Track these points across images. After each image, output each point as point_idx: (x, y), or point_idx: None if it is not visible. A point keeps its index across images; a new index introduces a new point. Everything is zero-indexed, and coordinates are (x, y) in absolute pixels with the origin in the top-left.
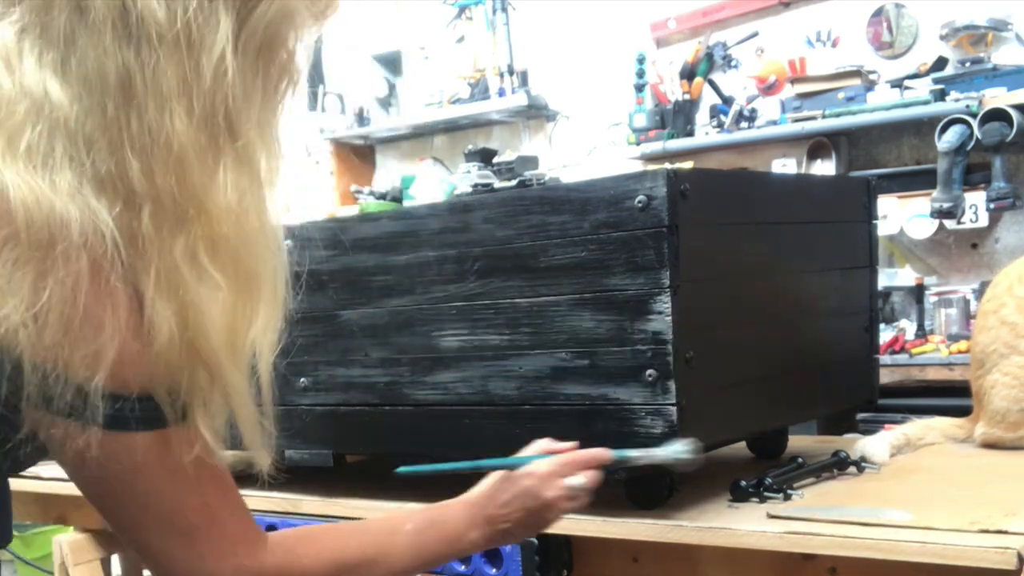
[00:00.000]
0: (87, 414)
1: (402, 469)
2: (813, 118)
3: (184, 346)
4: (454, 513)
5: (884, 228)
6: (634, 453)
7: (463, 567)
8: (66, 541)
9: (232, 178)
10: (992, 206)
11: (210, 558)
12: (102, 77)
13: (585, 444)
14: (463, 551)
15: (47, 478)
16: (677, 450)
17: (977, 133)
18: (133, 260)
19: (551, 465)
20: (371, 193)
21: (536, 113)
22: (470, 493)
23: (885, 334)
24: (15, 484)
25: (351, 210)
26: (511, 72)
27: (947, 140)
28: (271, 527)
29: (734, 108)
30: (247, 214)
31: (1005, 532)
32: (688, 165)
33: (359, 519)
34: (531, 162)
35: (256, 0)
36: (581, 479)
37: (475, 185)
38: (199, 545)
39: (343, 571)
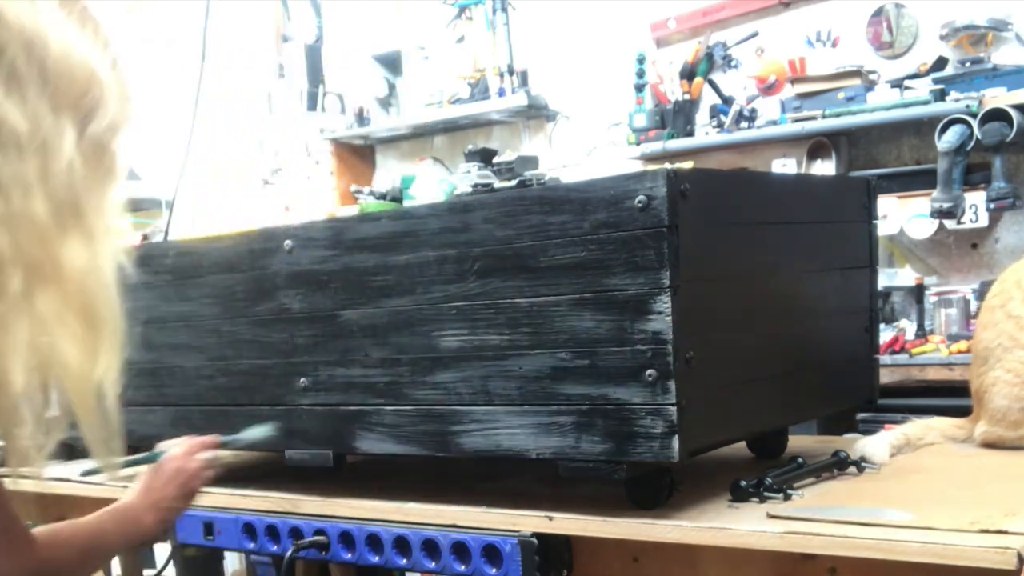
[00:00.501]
0: None
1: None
2: (813, 118)
3: (38, 385)
4: (132, 503)
5: (884, 228)
6: (231, 437)
7: (463, 567)
8: None
9: (78, 249)
10: (992, 206)
11: (4, 558)
12: None
13: (584, 444)
14: (146, 533)
15: (47, 478)
16: (259, 432)
17: (977, 133)
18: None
19: (183, 448)
20: (371, 193)
21: (536, 113)
22: (135, 488)
23: (885, 334)
24: (15, 485)
25: (351, 210)
26: (511, 72)
27: (947, 140)
28: (271, 527)
29: (734, 108)
30: (91, 276)
31: (1005, 532)
32: (688, 165)
33: (359, 519)
34: (531, 162)
35: (90, 117)
36: (209, 454)
37: (475, 185)
38: (18, 545)
39: (83, 553)
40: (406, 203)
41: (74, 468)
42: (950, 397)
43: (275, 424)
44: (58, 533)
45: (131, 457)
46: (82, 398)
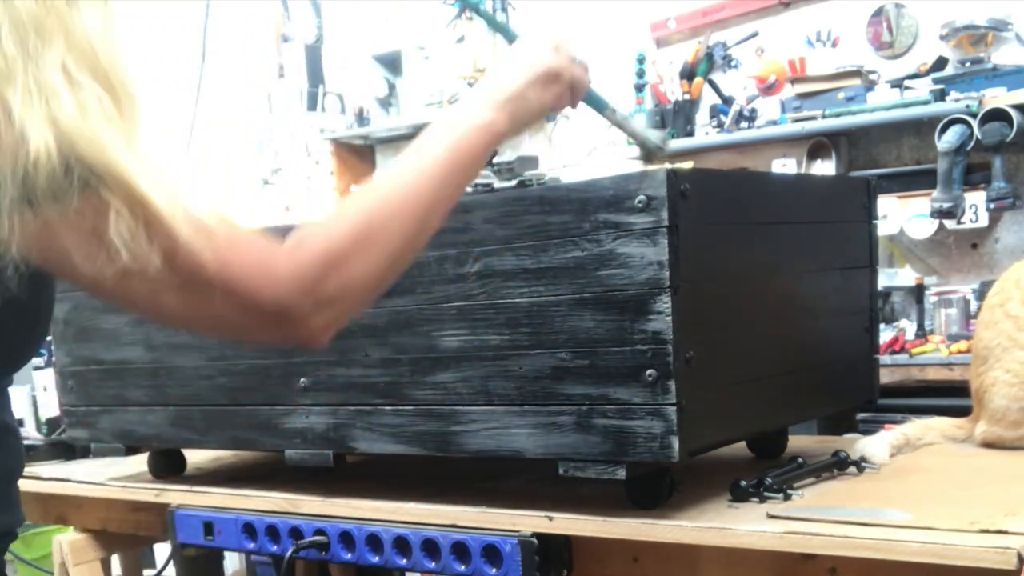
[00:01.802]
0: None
1: None
2: (813, 118)
3: (71, 155)
4: (464, 105)
5: (884, 228)
6: (611, 110)
7: (463, 567)
8: (66, 541)
9: (87, 9)
10: (992, 206)
11: (278, 271)
12: None
13: (584, 444)
14: (488, 136)
15: (47, 478)
16: (656, 136)
17: (977, 133)
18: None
19: (555, 37)
20: None
21: None
22: (481, 81)
23: (885, 334)
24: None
25: None
26: None
27: (947, 140)
28: (271, 527)
29: (734, 108)
30: (105, 32)
31: (1005, 532)
32: (688, 165)
33: (359, 519)
34: (531, 162)
35: None
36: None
37: (475, 185)
38: (268, 264)
39: (370, 213)
40: None
41: (74, 468)
42: (950, 397)
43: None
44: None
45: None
46: (123, 176)
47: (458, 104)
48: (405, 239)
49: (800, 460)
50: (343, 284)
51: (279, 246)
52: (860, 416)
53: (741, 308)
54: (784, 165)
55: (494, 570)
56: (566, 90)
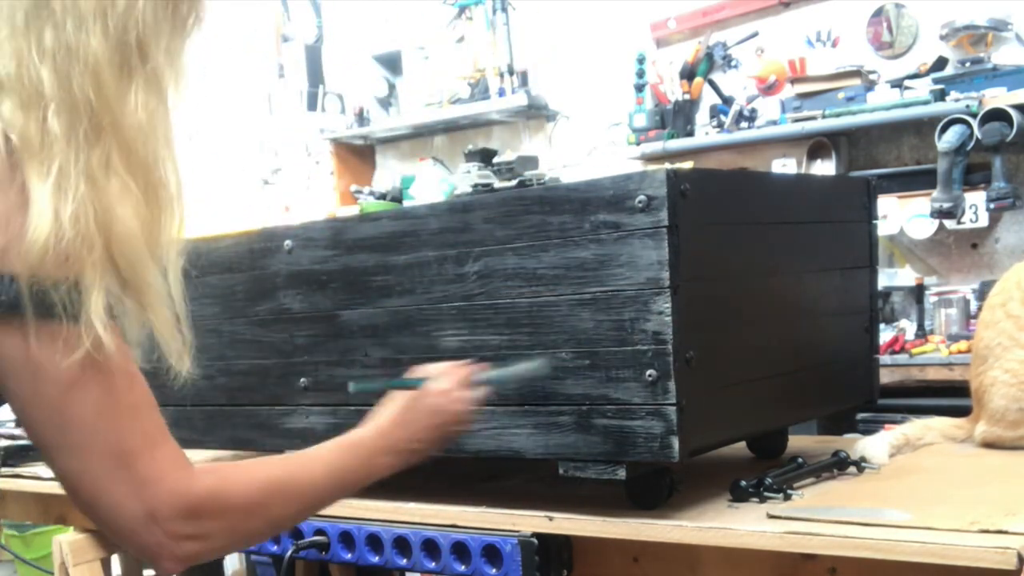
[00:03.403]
0: (24, 305)
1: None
2: (813, 118)
3: (100, 248)
4: (366, 440)
5: (884, 228)
6: (497, 373)
7: (463, 567)
8: (66, 541)
9: (143, 98)
10: (992, 206)
11: (148, 483)
12: None
13: (584, 444)
14: (376, 475)
15: (47, 478)
16: (527, 367)
17: (977, 133)
18: (29, 155)
19: (449, 379)
20: (371, 193)
21: (536, 113)
22: (379, 419)
23: (885, 334)
24: (16, 485)
25: (351, 210)
26: (511, 72)
27: (947, 140)
28: None
29: (734, 108)
30: (155, 132)
31: (1005, 532)
32: (688, 165)
33: (359, 519)
34: (531, 162)
35: None
36: (477, 392)
37: (475, 185)
38: (138, 469)
39: (270, 489)
40: (406, 203)
41: None
42: (950, 397)
43: (544, 360)
44: (239, 465)
45: (381, 383)
46: (144, 273)
47: (363, 434)
48: (288, 519)
49: (800, 460)
50: (222, 528)
51: (191, 464)
52: (860, 416)
53: (741, 308)
54: (784, 165)
55: (494, 570)
56: (457, 435)
